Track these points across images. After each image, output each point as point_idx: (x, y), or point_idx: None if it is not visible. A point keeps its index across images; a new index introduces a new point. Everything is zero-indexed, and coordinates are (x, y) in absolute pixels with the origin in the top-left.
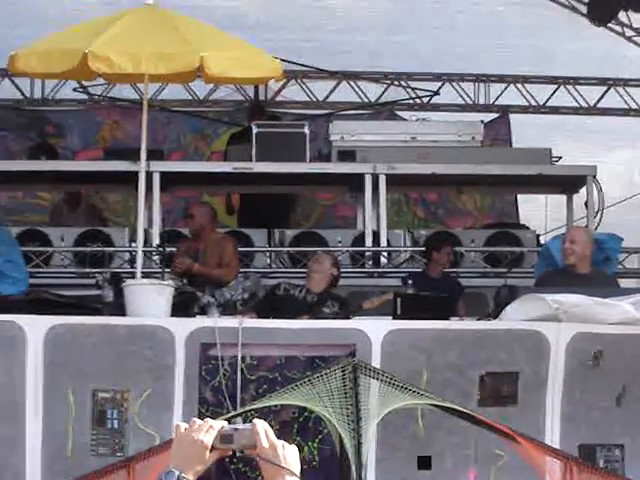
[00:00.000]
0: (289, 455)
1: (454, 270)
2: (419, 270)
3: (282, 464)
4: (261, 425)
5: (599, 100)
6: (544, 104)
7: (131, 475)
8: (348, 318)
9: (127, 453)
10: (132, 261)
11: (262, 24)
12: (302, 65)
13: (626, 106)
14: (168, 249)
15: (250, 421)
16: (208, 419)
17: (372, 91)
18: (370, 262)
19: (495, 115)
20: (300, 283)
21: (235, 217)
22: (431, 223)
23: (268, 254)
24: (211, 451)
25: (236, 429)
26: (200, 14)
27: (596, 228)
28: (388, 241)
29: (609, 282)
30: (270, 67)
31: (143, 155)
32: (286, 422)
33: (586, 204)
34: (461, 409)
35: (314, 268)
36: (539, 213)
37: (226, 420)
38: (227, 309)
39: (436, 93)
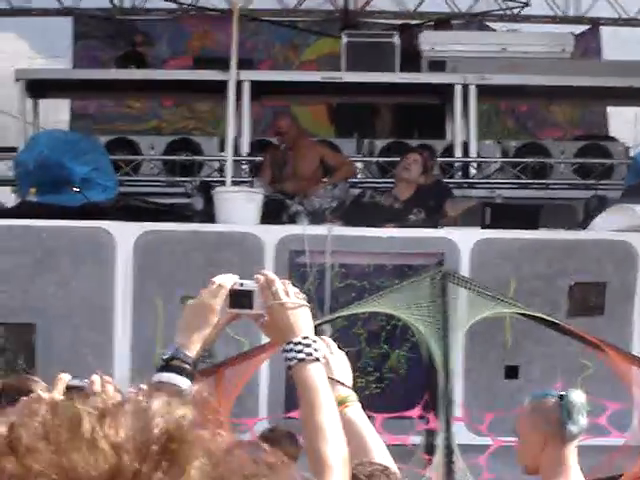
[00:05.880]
0: (342, 368)
1: (544, 182)
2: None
3: (334, 377)
4: None
5: None
6: (635, 16)
7: (220, 381)
8: (434, 226)
9: (216, 359)
10: (221, 170)
11: None
12: None
13: None
14: (257, 158)
15: (338, 329)
16: (217, 278)
17: (463, 2)
18: (459, 173)
19: (586, 27)
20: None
21: (333, 125)
22: (521, 134)
23: (358, 163)
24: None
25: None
26: None
27: None
28: (478, 152)
29: None
30: None
31: (234, 63)
32: (374, 331)
33: None
34: (549, 318)
35: (400, 174)
36: (629, 126)
37: (314, 328)
38: (316, 217)
39: (526, 4)
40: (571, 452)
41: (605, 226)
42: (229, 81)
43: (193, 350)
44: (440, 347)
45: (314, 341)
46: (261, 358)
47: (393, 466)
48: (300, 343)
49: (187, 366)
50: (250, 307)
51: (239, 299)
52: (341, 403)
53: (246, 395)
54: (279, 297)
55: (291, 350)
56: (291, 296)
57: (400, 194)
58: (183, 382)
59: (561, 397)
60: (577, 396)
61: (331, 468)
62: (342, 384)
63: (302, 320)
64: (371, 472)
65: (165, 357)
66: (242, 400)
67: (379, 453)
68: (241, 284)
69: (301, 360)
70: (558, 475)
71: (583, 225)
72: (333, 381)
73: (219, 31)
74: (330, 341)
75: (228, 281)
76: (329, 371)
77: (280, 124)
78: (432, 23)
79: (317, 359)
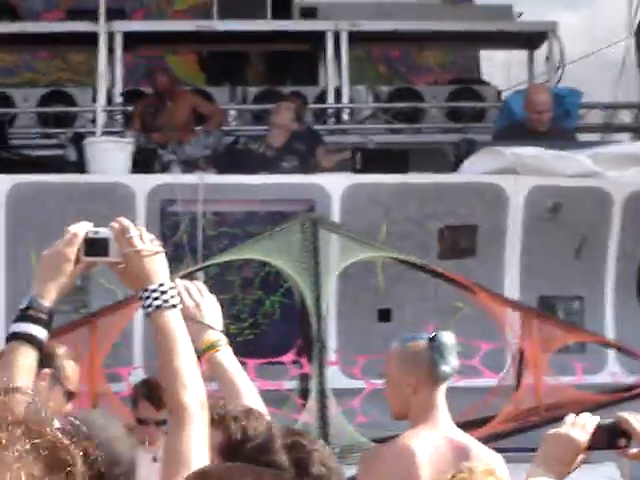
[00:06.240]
0: (213, 312)
1: (416, 126)
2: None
3: (205, 321)
4: (182, 284)
5: None
6: None
7: (94, 331)
8: (307, 172)
9: (90, 309)
10: (94, 121)
11: None
12: None
13: None
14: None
15: (211, 277)
16: (72, 227)
17: None
18: (332, 119)
19: None
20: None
21: (204, 74)
22: (394, 79)
23: (231, 111)
24: (78, 263)
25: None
26: None
27: (557, 83)
28: (350, 98)
29: (567, 137)
30: None
31: (102, 14)
32: (248, 277)
33: (547, 59)
34: (420, 262)
35: (273, 121)
36: (501, 70)
37: (187, 276)
38: (189, 166)
39: None
40: (441, 394)
41: (475, 169)
42: (99, 32)
43: (49, 299)
44: (312, 292)
45: (170, 288)
46: (135, 307)
47: (263, 409)
48: (156, 290)
49: (43, 315)
50: (105, 255)
51: (94, 247)
52: (212, 347)
53: (121, 344)
54: (134, 244)
55: (148, 297)
56: (146, 243)
57: (273, 141)
58: (39, 331)
59: (431, 339)
60: (447, 337)
61: (190, 413)
62: (212, 328)
63: (158, 267)
64: (235, 413)
65: (21, 307)
66: (117, 349)
67: (249, 396)
68: (96, 232)
69: (158, 307)
70: (428, 418)
71: (454, 169)
72: (204, 325)
73: None
74: (201, 285)
75: (82, 229)
76: (200, 315)
77: (159, 81)
78: None
79: (174, 305)
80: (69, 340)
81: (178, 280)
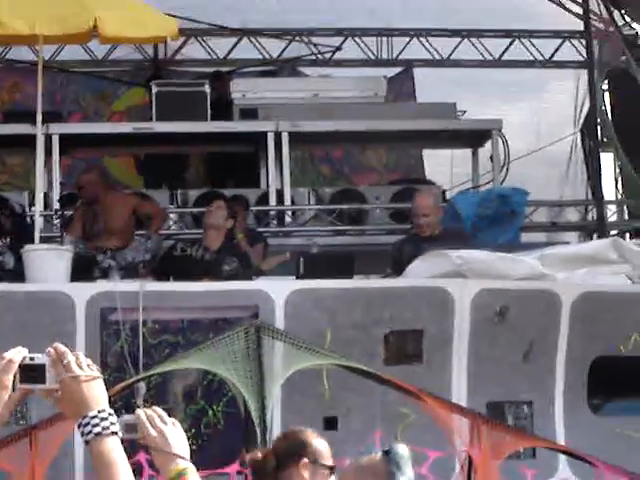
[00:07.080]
0: (177, 439)
1: (360, 228)
2: None
3: (171, 449)
4: (144, 414)
5: (504, 52)
6: (448, 57)
7: (33, 443)
8: (249, 274)
9: (30, 421)
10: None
11: None
12: (202, 22)
13: (531, 58)
14: (68, 213)
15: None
16: (7, 353)
17: (274, 48)
18: (274, 221)
19: (399, 69)
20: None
21: (142, 177)
22: (337, 180)
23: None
24: (14, 391)
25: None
26: None
27: (502, 182)
28: (292, 200)
29: (461, 239)
30: (165, 26)
31: (39, 117)
32: (190, 386)
33: (491, 158)
34: (366, 369)
35: (208, 223)
36: (445, 168)
37: (128, 386)
38: (129, 272)
39: (338, 48)
40: None
41: (420, 272)
42: (37, 135)
43: None
44: (256, 401)
45: (110, 414)
46: None
47: None
48: (96, 417)
49: None
50: (42, 382)
51: (30, 374)
52: (179, 476)
53: (61, 457)
54: (72, 370)
55: (87, 424)
56: (84, 368)
57: (210, 244)
58: None
59: (386, 452)
60: (402, 448)
61: None
62: (180, 457)
63: (96, 392)
64: None
65: None
66: (58, 462)
67: None
68: (32, 358)
69: (97, 434)
70: None
71: (397, 271)
72: (170, 454)
73: (29, 84)
74: (161, 411)
75: (18, 356)
76: (166, 444)
77: (80, 179)
78: (244, 70)
79: (114, 433)
80: (8, 452)
81: (139, 410)
